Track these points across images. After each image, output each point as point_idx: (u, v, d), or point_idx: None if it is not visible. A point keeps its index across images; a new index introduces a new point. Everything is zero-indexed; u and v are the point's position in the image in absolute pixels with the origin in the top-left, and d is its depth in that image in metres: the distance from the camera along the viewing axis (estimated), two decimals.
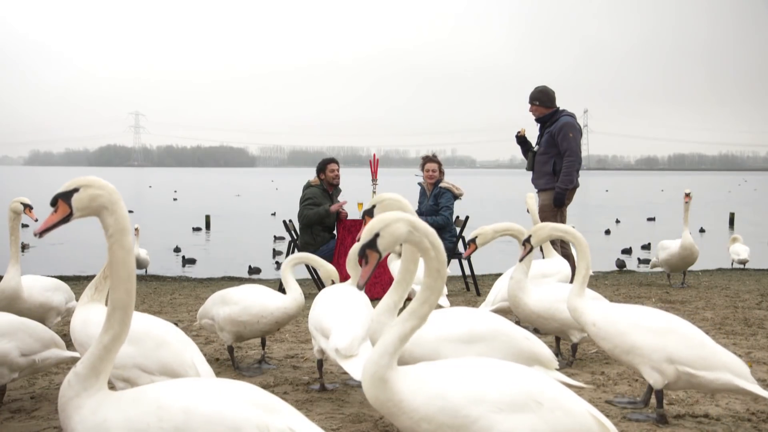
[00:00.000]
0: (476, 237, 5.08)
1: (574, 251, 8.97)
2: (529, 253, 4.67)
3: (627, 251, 17.57)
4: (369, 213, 3.81)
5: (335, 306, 4.21)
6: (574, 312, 4.10)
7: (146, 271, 13.43)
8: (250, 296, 4.91)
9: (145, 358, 3.42)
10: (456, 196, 9.36)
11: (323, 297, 4.43)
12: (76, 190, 2.41)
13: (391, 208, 3.70)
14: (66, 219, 2.41)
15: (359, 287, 2.51)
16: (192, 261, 16.39)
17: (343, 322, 4.02)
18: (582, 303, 4.06)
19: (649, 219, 29.54)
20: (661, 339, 3.71)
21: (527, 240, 4.59)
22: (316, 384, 4.63)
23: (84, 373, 2.33)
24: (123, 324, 2.41)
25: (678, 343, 3.69)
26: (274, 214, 28.95)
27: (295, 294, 4.92)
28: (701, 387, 3.73)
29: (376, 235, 2.51)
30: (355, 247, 4.90)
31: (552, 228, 4.52)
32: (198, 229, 24.65)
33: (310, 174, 9.68)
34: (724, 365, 3.64)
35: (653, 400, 3.94)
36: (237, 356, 5.54)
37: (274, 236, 21.31)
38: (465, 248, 9.55)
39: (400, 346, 2.54)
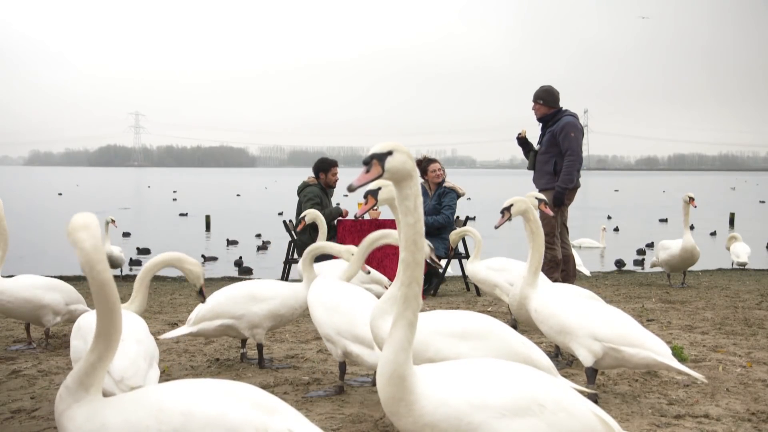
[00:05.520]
0: (510, 205, 4.62)
1: (575, 251, 8.96)
2: (505, 221, 4.66)
3: (641, 252, 17.58)
4: (373, 194, 3.67)
5: (362, 305, 4.24)
6: (524, 299, 4.49)
7: (121, 271, 12.57)
8: (282, 289, 5.03)
9: None
10: (459, 195, 9.41)
11: (336, 297, 4.37)
12: (390, 153, 2.45)
13: (390, 194, 3.71)
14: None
15: (350, 189, 2.47)
16: (138, 263, 15.33)
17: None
18: (532, 291, 4.46)
19: (662, 220, 29.01)
20: (587, 319, 4.13)
21: (507, 209, 4.60)
22: (331, 388, 4.54)
23: (73, 387, 2.34)
24: (111, 345, 2.37)
25: (602, 322, 4.09)
26: (281, 214, 28.76)
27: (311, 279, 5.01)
28: (627, 363, 4.08)
29: (389, 153, 2.48)
30: (312, 246, 4.97)
31: (529, 206, 4.64)
32: (127, 234, 22.49)
33: (310, 174, 9.64)
34: (644, 343, 3.99)
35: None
36: (223, 357, 5.55)
37: (227, 239, 20.33)
38: (464, 250, 9.60)
39: (412, 335, 2.48)
